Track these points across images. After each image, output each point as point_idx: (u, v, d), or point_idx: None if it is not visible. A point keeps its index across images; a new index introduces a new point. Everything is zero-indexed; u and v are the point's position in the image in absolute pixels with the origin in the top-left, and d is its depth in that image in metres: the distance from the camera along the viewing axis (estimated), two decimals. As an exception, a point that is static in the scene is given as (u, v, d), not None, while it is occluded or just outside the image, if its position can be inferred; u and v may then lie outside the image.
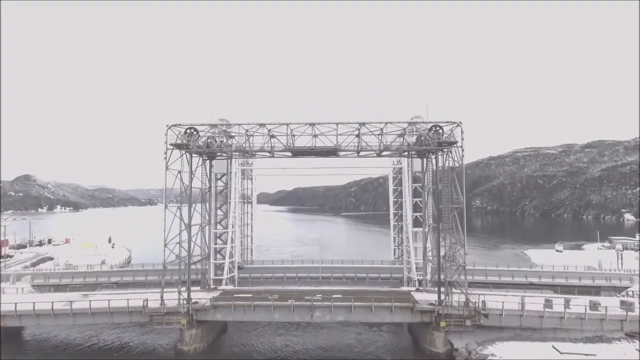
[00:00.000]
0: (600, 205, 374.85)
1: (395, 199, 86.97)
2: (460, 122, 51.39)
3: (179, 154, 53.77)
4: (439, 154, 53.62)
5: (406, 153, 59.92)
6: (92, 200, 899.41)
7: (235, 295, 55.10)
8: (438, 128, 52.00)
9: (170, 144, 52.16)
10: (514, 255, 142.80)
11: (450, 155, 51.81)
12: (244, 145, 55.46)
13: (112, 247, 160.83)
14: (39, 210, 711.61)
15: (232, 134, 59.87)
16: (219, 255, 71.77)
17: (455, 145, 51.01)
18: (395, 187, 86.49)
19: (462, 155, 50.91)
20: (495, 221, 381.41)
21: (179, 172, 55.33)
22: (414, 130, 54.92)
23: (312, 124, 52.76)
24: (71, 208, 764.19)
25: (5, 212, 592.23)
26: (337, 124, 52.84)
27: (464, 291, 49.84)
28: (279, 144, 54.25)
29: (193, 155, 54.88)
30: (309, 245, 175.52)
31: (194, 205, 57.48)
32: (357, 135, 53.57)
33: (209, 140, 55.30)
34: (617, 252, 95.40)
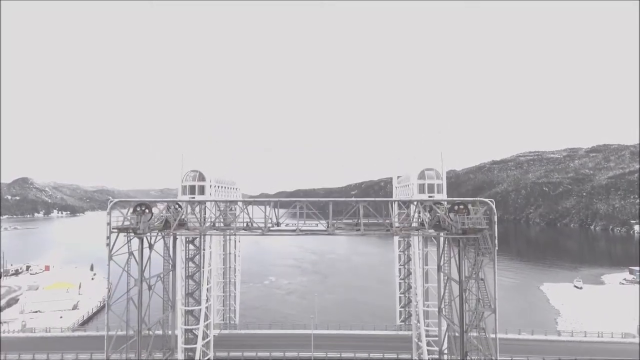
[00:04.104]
0: (609, 215, 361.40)
1: (402, 251, 75.25)
2: (492, 200, 39.64)
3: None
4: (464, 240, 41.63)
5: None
6: (90, 202, 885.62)
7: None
8: (461, 207, 40.10)
9: (114, 228, 40.20)
10: (529, 290, 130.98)
11: (478, 243, 39.80)
12: (214, 221, 43.91)
13: (93, 277, 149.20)
14: (35, 215, 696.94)
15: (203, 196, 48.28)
16: (190, 335, 59.92)
17: (484, 231, 39.11)
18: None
19: (495, 245, 39.01)
20: (500, 230, 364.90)
21: (130, 254, 43.63)
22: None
23: (299, 201, 40.93)
24: (68, 212, 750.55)
25: (1, 216, 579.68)
26: (330, 200, 41.07)
27: None
28: (259, 215, 42.78)
29: (146, 236, 43.01)
30: (307, 274, 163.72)
31: (153, 284, 45.90)
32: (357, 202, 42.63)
33: (167, 216, 43.39)
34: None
